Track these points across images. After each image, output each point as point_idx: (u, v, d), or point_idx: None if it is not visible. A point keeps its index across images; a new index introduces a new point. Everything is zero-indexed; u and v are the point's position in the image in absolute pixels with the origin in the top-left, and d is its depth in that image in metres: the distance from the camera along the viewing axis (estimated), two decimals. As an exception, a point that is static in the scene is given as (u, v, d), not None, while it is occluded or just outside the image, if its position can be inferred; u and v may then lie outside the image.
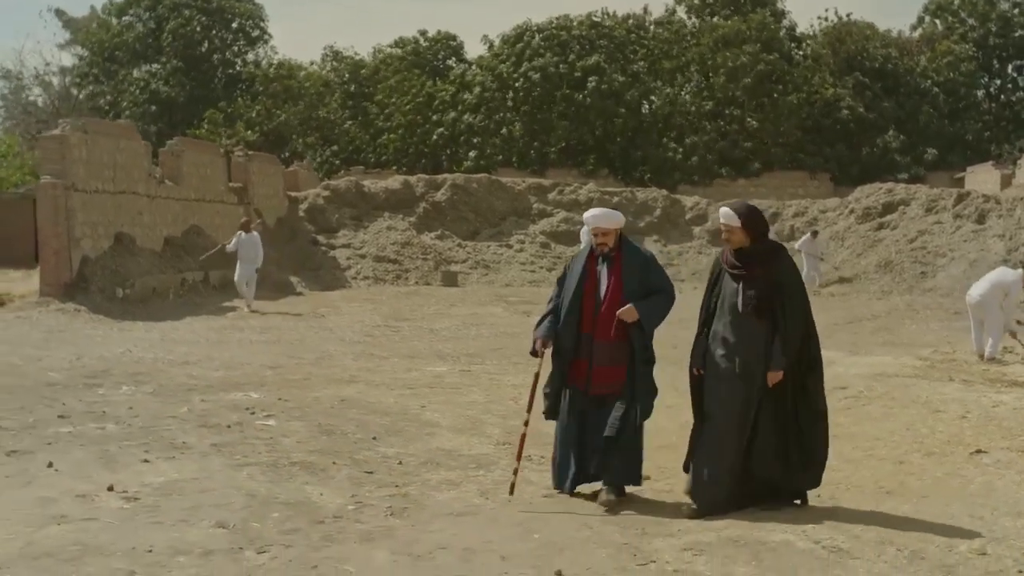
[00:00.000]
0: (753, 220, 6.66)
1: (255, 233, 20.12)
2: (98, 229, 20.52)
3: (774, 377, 6.47)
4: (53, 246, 19.13)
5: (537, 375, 7.02)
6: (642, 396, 6.84)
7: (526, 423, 6.93)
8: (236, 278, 21.02)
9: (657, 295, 6.96)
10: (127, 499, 6.63)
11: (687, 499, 6.72)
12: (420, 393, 11.31)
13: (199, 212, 25.09)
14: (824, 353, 14.77)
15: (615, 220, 7.13)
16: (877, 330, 19.07)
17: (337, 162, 47.85)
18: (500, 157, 43.10)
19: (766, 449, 6.53)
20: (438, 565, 5.43)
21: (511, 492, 6.78)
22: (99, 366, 12.90)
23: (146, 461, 7.76)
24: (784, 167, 42.83)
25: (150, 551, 5.54)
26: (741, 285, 6.59)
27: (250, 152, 30.00)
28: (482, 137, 43.45)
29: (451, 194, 33.29)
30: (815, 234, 28.91)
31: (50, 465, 7.50)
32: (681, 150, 42.80)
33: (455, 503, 6.77)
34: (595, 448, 6.85)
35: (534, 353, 7.02)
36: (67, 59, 52.57)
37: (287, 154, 43.90)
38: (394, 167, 42.98)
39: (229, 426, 9.21)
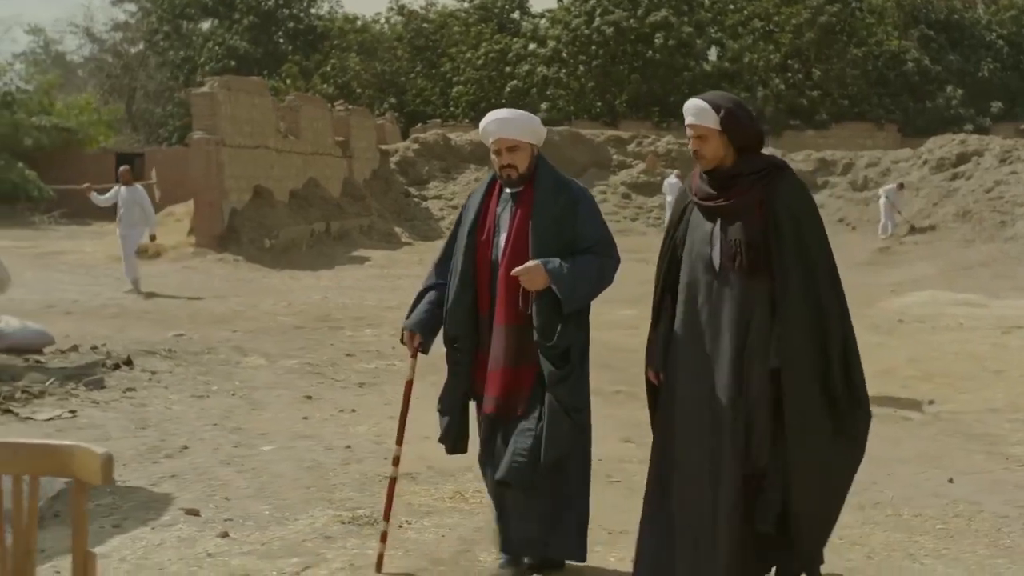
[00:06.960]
0: (736, 118, 4.00)
1: (139, 187, 16.21)
2: (241, 183, 21.51)
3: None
4: (207, 199, 20.15)
5: (409, 384, 4.64)
6: (552, 415, 4.25)
7: (395, 460, 4.63)
8: (120, 244, 16.15)
9: (584, 256, 4.34)
10: (514, 421, 7.64)
11: None
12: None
13: (314, 165, 26.02)
14: (962, 295, 16.17)
15: (528, 129, 4.41)
16: (996, 276, 19.96)
17: (396, 114, 48.60)
18: (572, 109, 43.89)
19: (773, 498, 3.93)
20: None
21: (378, 569, 4.49)
22: (316, 311, 13.94)
23: (482, 391, 8.76)
24: (851, 118, 43.49)
25: (600, 461, 6.55)
26: (718, 226, 4.01)
27: (350, 107, 30.90)
28: (555, 90, 44.23)
29: (534, 146, 34.13)
30: (901, 187, 29.72)
31: (405, 395, 8.50)
32: (752, 103, 43.45)
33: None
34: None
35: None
36: (118, 15, 53.13)
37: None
38: (465, 120, 43.76)
39: (507, 363, 10.20)
